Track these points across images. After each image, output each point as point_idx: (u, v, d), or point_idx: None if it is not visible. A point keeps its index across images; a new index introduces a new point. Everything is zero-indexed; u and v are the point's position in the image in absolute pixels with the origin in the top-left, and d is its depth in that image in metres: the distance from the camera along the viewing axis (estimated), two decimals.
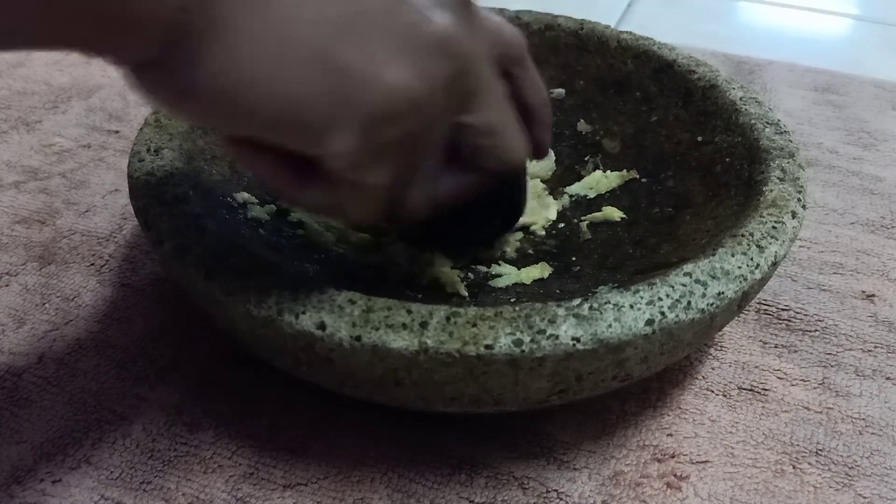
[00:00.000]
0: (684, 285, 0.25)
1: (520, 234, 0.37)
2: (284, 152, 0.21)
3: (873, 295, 0.38)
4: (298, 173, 0.22)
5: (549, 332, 0.23)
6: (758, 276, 0.26)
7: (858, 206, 0.44)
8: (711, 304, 0.25)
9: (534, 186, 0.40)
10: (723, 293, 0.25)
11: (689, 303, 0.24)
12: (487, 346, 0.23)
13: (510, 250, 0.36)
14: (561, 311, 0.23)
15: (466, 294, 0.32)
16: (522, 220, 0.37)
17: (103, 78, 0.55)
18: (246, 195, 0.34)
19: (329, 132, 0.20)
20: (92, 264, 0.38)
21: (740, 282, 0.25)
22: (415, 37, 0.20)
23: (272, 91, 0.19)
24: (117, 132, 0.49)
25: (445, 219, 0.28)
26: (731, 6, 0.75)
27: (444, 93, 0.22)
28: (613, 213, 0.37)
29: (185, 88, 0.18)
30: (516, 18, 0.43)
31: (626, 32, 0.42)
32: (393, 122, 0.21)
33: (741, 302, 0.26)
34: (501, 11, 0.44)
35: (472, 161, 0.25)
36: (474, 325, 0.23)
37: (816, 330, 0.36)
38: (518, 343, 0.23)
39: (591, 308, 0.23)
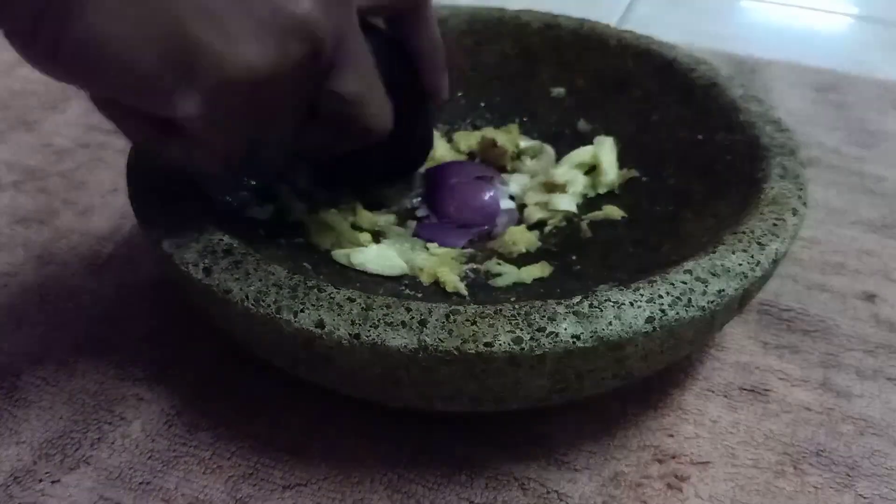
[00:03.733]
0: (685, 283, 0.25)
1: (536, 232, 0.37)
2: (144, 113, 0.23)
3: (874, 295, 0.38)
4: (161, 129, 0.24)
5: (548, 329, 0.23)
6: (759, 273, 0.26)
7: (860, 206, 0.44)
8: (712, 302, 0.24)
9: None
10: (723, 291, 0.25)
11: (689, 300, 0.24)
12: (487, 344, 0.22)
13: (524, 248, 0.36)
14: (561, 309, 0.23)
15: (466, 293, 0.32)
16: (538, 215, 0.38)
17: None
18: (245, 194, 0.34)
19: (176, 97, 0.22)
20: (91, 264, 0.38)
21: (741, 279, 0.25)
22: (274, 20, 0.22)
23: (128, 60, 0.21)
24: (116, 132, 0.48)
25: (349, 160, 0.31)
26: (731, 5, 0.75)
27: (300, 70, 0.23)
28: (614, 211, 0.37)
29: (50, 54, 0.21)
30: (516, 17, 0.43)
31: (627, 31, 0.42)
32: (238, 94, 0.22)
33: (742, 300, 0.26)
34: (501, 11, 0.44)
35: (339, 124, 0.27)
36: (474, 322, 0.23)
37: (817, 330, 0.35)
38: (518, 341, 0.23)
39: (591, 306, 0.23)
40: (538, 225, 0.38)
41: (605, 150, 0.39)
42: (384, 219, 0.37)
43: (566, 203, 0.38)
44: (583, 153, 0.40)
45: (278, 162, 0.28)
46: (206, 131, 0.23)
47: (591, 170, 0.40)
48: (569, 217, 0.38)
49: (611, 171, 0.39)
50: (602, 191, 0.39)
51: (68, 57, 0.21)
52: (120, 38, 0.20)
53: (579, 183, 0.39)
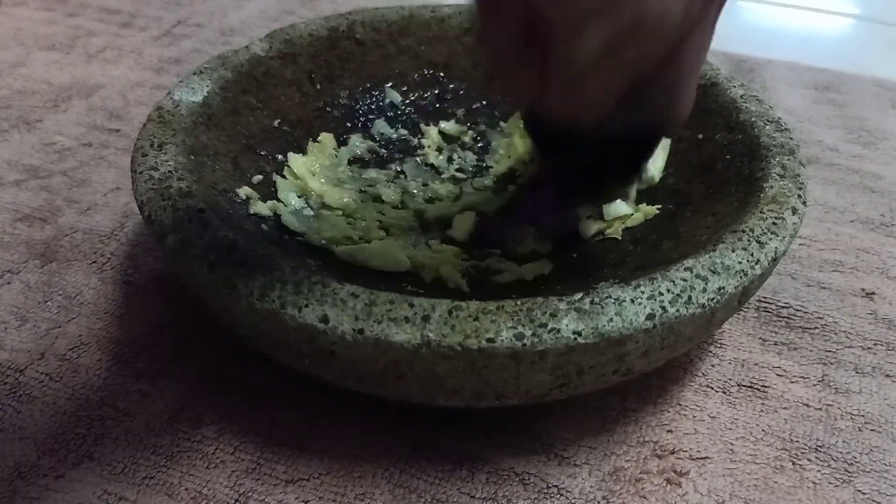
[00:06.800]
0: (685, 280, 0.25)
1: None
2: (529, 17, 0.22)
3: (873, 293, 0.38)
4: (524, 36, 0.22)
5: (550, 325, 0.23)
6: (758, 271, 0.26)
7: (858, 204, 0.44)
8: (712, 299, 0.25)
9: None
10: (723, 288, 0.25)
11: (689, 297, 0.24)
12: (489, 340, 0.23)
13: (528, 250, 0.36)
14: (562, 305, 0.23)
15: (468, 290, 0.32)
16: (594, 227, 0.36)
17: (104, 77, 0.55)
18: (248, 190, 0.34)
19: (589, 25, 0.20)
20: (94, 262, 0.38)
21: (740, 277, 0.25)
22: None
23: None
24: (118, 131, 0.49)
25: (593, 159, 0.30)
26: (731, 5, 0.75)
27: (687, 23, 0.22)
28: (650, 211, 0.36)
29: None
30: None
31: None
32: (634, 41, 0.21)
33: (741, 297, 0.26)
34: None
35: (642, 105, 0.26)
36: (476, 318, 0.23)
37: (816, 327, 0.36)
38: (520, 337, 0.23)
39: (592, 302, 0.24)
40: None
41: (656, 153, 0.38)
42: (395, 213, 0.37)
43: (624, 207, 0.36)
44: None
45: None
46: (578, 67, 0.21)
47: None
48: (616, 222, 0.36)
49: (654, 169, 0.37)
50: (642, 187, 0.38)
51: None
52: None
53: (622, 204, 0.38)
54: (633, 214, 0.36)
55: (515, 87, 0.26)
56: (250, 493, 0.27)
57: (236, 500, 0.27)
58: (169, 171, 0.30)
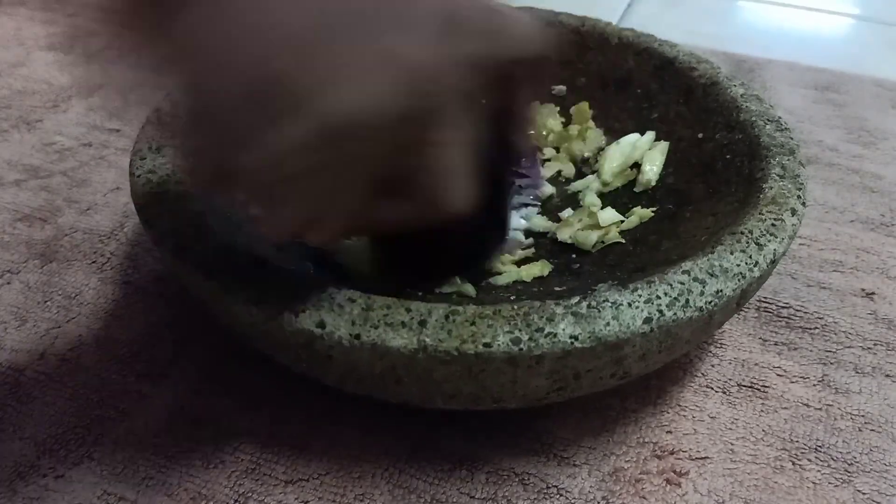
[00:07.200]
0: (682, 283, 0.25)
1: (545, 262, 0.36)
2: None
3: (873, 293, 0.38)
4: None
5: (547, 330, 0.23)
6: (756, 274, 0.26)
7: (858, 204, 0.44)
8: (710, 303, 0.25)
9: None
10: (721, 291, 0.25)
11: (687, 301, 0.24)
12: (486, 345, 0.23)
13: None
14: (559, 310, 0.23)
15: (474, 294, 0.32)
16: (593, 237, 0.35)
17: (103, 77, 0.55)
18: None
19: (251, 139, 0.19)
20: (93, 262, 0.38)
21: (739, 280, 0.25)
22: (387, 65, 0.20)
23: (251, 59, 0.19)
24: (118, 131, 0.49)
25: (417, 247, 0.28)
26: (731, 5, 0.75)
27: (400, 127, 0.21)
28: (646, 213, 0.36)
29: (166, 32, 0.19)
30: None
31: (628, 30, 0.42)
32: (323, 146, 0.20)
33: (740, 300, 0.26)
34: None
35: (411, 196, 0.24)
36: (473, 323, 0.23)
37: (816, 327, 0.36)
38: (516, 341, 0.23)
39: (589, 306, 0.24)
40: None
41: (654, 155, 0.38)
42: None
43: (614, 213, 0.36)
44: (635, 154, 0.39)
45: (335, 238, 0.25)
46: (271, 192, 0.20)
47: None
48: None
49: (651, 175, 0.38)
50: (637, 189, 0.38)
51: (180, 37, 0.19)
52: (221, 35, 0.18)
53: (621, 179, 0.39)
54: (627, 219, 0.36)
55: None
56: (250, 494, 0.28)
57: (236, 501, 0.27)
58: (167, 174, 0.30)
